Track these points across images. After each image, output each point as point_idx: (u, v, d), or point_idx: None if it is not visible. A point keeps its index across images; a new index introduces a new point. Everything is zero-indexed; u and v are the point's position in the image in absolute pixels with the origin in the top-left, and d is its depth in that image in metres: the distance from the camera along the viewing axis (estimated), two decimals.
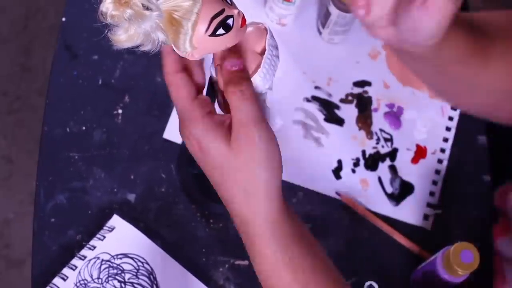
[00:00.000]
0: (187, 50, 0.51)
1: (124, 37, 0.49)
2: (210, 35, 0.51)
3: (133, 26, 0.48)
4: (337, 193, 0.95)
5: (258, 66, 0.56)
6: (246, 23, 0.53)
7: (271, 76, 0.58)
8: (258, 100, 0.54)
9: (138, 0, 0.47)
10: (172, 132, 0.98)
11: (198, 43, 0.51)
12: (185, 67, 0.55)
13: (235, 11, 0.51)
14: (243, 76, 0.54)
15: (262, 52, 0.56)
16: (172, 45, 0.52)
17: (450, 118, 1.02)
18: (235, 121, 0.53)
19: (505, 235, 0.86)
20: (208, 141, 0.53)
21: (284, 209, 0.57)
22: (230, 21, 0.51)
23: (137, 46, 0.51)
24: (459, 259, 0.75)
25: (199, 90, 0.56)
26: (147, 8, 0.48)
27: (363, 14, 0.54)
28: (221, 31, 0.51)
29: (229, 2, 0.52)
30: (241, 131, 0.52)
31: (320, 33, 1.04)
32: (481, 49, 0.71)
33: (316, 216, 0.96)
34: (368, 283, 0.90)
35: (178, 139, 0.98)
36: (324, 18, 1.01)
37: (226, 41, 0.52)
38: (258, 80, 0.57)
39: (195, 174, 0.93)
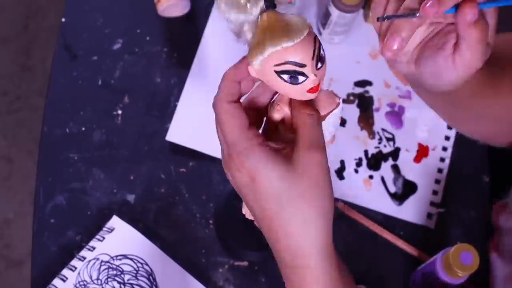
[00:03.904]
0: (253, 64, 0.50)
1: (222, 5, 0.49)
2: (275, 71, 0.50)
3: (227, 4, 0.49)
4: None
5: None
6: (316, 92, 0.51)
7: None
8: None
9: None
10: (175, 134, 0.98)
11: (263, 68, 0.50)
12: (239, 96, 0.52)
13: (312, 77, 0.50)
14: (311, 104, 0.53)
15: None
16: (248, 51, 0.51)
17: None
18: (302, 143, 0.50)
19: (497, 251, 0.86)
20: (268, 169, 0.49)
21: (332, 241, 0.53)
22: (301, 78, 0.50)
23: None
24: (458, 261, 0.75)
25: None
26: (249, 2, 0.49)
27: (389, 55, 0.54)
28: (286, 77, 0.50)
29: (319, 65, 0.50)
30: (306, 154, 0.50)
31: (320, 33, 1.03)
32: (493, 80, 0.71)
33: None
34: (359, 286, 0.89)
35: (181, 141, 0.97)
36: (324, 18, 1.01)
37: (284, 89, 0.51)
38: None
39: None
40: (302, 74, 0.50)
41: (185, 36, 1.05)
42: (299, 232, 0.50)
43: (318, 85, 0.51)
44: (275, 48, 0.49)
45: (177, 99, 1.00)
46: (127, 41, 1.05)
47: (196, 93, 1.01)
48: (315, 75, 0.50)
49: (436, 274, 0.79)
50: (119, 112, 1.00)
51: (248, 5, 0.49)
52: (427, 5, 0.50)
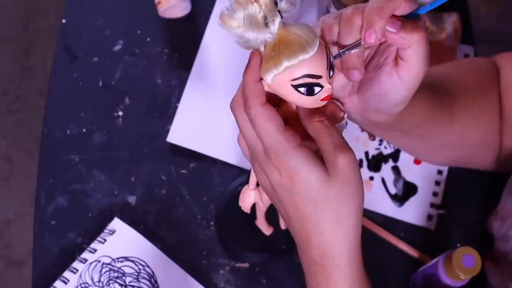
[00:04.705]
0: (267, 79, 0.50)
1: (235, 23, 0.48)
2: (292, 85, 0.50)
3: (243, 24, 0.48)
4: None
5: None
6: (329, 99, 0.52)
7: None
8: None
9: (268, 6, 0.47)
10: (175, 136, 0.98)
11: (278, 83, 0.50)
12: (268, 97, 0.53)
13: (327, 87, 0.50)
14: (321, 110, 0.54)
15: None
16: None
17: None
18: (327, 148, 0.51)
19: (492, 259, 0.86)
20: (307, 171, 0.51)
21: (360, 241, 0.56)
22: (317, 89, 0.50)
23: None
24: (461, 264, 0.75)
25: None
26: (266, 20, 0.47)
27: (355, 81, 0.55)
28: (303, 90, 0.50)
29: (331, 73, 0.51)
30: (335, 157, 0.51)
31: None
32: (446, 108, 0.72)
33: None
34: None
35: (181, 143, 0.97)
36: None
37: (299, 100, 0.51)
38: None
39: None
40: (318, 85, 0.50)
41: (185, 37, 1.05)
42: (332, 232, 0.52)
43: (331, 93, 0.52)
44: (292, 62, 0.48)
45: (177, 100, 1.00)
46: (128, 42, 1.05)
47: (197, 94, 1.01)
48: (329, 83, 0.50)
49: (438, 277, 0.79)
50: (120, 113, 1.00)
51: (267, 23, 0.48)
52: (366, 37, 0.51)
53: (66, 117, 0.99)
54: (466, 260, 0.75)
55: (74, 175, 0.96)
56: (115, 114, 1.00)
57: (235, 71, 1.00)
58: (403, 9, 0.50)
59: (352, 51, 0.52)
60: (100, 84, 1.02)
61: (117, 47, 1.04)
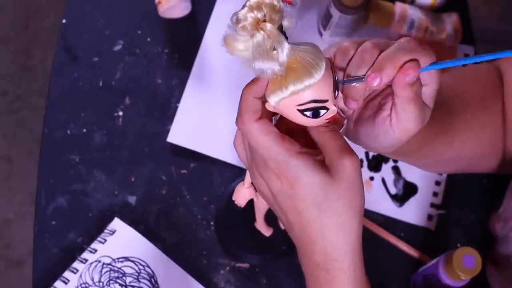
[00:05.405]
0: (270, 101, 0.50)
1: (241, 46, 0.48)
2: (298, 110, 0.50)
3: (252, 49, 0.47)
4: None
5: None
6: (332, 118, 0.52)
7: None
8: None
9: (275, 35, 0.46)
10: (176, 136, 0.98)
11: (283, 106, 0.50)
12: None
13: (333, 108, 0.50)
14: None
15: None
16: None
17: None
18: (333, 149, 0.51)
19: (493, 261, 0.86)
20: (308, 176, 0.50)
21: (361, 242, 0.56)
22: (323, 112, 0.50)
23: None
24: (461, 264, 0.75)
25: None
26: (275, 48, 0.47)
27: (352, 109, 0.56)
28: (309, 113, 0.50)
29: (337, 93, 0.51)
30: (339, 159, 0.51)
31: (321, 34, 1.03)
32: (444, 128, 0.71)
33: None
34: None
35: (182, 143, 0.97)
36: (325, 19, 1.01)
37: (304, 121, 0.51)
38: None
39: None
40: (324, 108, 0.50)
41: (186, 37, 1.05)
42: (336, 235, 0.52)
43: (336, 113, 0.52)
44: (298, 87, 0.48)
45: (178, 100, 1.00)
46: (128, 42, 1.04)
47: (197, 94, 1.01)
48: (334, 105, 0.50)
49: (438, 277, 0.79)
50: (120, 113, 1.00)
51: (275, 52, 0.47)
52: (370, 77, 0.51)
53: (66, 117, 0.99)
54: (467, 260, 0.75)
55: (74, 175, 0.96)
56: (115, 114, 1.00)
57: (235, 71, 1.00)
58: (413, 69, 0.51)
59: (353, 84, 0.53)
60: (100, 84, 1.02)
61: (117, 47, 1.04)
